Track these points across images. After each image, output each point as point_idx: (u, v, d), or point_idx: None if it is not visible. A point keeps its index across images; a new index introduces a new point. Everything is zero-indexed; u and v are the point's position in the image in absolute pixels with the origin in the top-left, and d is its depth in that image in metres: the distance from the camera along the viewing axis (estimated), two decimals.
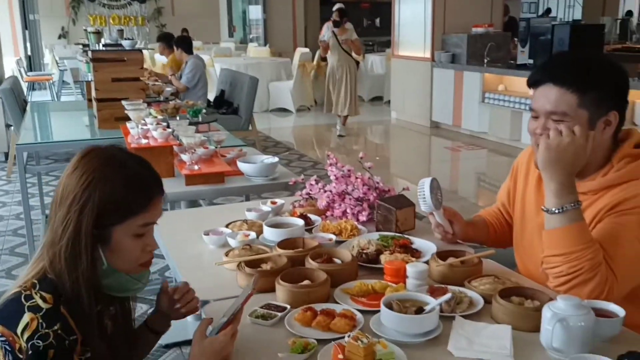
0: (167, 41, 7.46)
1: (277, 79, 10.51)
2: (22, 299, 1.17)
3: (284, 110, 10.26)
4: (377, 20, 18.35)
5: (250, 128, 6.79)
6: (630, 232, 1.52)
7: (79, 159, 1.26)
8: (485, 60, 7.85)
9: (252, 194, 3.00)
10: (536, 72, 1.65)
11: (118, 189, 1.22)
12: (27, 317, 1.14)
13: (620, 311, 1.37)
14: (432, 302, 1.43)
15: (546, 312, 1.31)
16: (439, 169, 7.07)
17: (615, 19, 11.04)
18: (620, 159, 1.60)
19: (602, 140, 1.59)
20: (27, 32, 14.21)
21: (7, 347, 1.14)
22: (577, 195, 1.54)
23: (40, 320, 1.14)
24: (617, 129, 1.61)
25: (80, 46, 4.75)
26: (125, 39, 4.70)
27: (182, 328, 2.56)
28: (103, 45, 4.25)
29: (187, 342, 2.84)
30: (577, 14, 15.45)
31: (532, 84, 1.65)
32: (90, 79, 4.25)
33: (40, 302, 1.16)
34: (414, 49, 8.89)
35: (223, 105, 7.06)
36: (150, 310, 1.56)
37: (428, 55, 8.60)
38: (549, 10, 15.81)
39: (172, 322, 1.54)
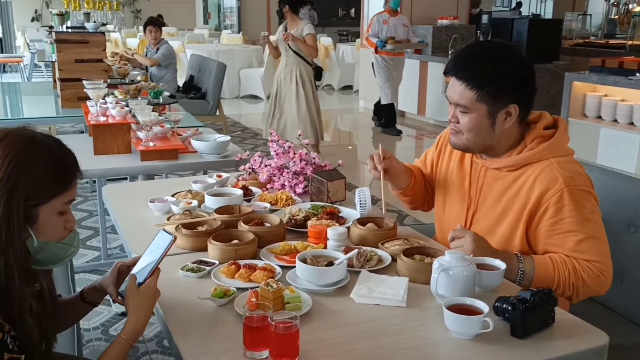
0: (159, 25, 7.13)
1: (249, 66, 10.64)
2: None
3: (255, 97, 10.40)
4: (352, 11, 18.52)
5: (217, 113, 6.92)
6: (573, 220, 1.69)
7: None
8: (450, 52, 8.07)
9: (204, 170, 3.16)
10: (447, 63, 1.81)
11: (45, 170, 1.26)
12: None
13: (501, 265, 1.57)
14: (341, 257, 1.63)
15: (435, 264, 1.51)
16: (403, 154, 7.28)
17: (578, 15, 11.35)
18: (532, 139, 1.78)
19: (507, 128, 1.76)
20: None
21: None
22: (513, 257, 1.69)
23: None
24: (523, 116, 1.78)
25: (47, 28, 4.84)
26: (94, 23, 4.81)
27: None
28: (67, 28, 4.36)
29: None
30: (550, 9, 15.78)
31: (444, 74, 1.82)
32: (54, 60, 4.36)
33: None
34: None
35: (192, 90, 7.18)
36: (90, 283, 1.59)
37: None
38: (519, 4, 16.13)
39: None
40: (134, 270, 1.45)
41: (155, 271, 1.42)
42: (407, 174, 2.08)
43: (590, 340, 1.37)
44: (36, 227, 1.28)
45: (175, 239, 1.44)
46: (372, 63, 7.89)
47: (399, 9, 7.63)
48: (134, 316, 1.36)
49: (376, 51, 7.64)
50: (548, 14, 15.44)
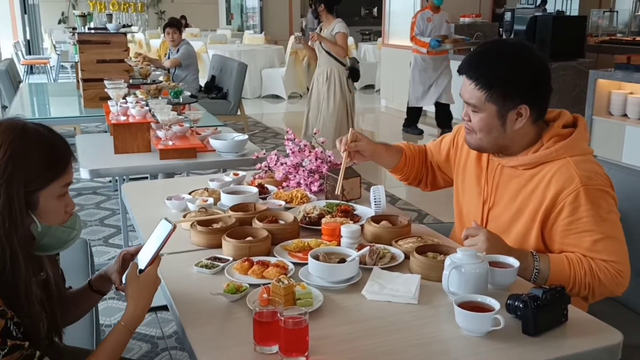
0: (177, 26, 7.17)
1: (270, 65, 10.67)
2: None
3: (276, 96, 10.44)
4: (375, 10, 18.47)
5: (238, 113, 6.96)
6: (589, 220, 1.66)
7: None
8: (472, 50, 8.00)
9: (223, 168, 3.19)
10: (461, 62, 1.79)
11: (39, 157, 1.29)
12: None
13: (515, 262, 1.56)
14: (353, 254, 1.63)
15: (447, 261, 1.50)
16: None
17: (604, 12, 11.18)
18: (549, 137, 1.75)
19: (521, 128, 1.73)
20: (26, 16, 14.37)
21: None
22: (528, 255, 1.67)
23: None
24: (537, 117, 1.75)
25: (71, 29, 4.94)
26: (117, 24, 4.88)
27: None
28: (89, 29, 4.43)
29: (161, 308, 3.02)
30: (576, 6, 15.56)
31: (458, 72, 1.80)
32: (77, 61, 4.43)
33: None
34: (404, 38, 9.02)
35: (213, 90, 7.24)
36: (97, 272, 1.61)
37: None
38: (544, 2, 15.93)
39: None
40: (136, 259, 1.47)
41: (155, 259, 1.44)
42: (394, 154, 2.14)
43: (604, 338, 1.35)
44: (38, 213, 1.31)
45: (175, 227, 1.44)
46: (411, 62, 7.57)
47: (441, 5, 7.28)
48: (133, 303, 1.39)
49: (427, 51, 7.25)
50: (574, 11, 15.20)
